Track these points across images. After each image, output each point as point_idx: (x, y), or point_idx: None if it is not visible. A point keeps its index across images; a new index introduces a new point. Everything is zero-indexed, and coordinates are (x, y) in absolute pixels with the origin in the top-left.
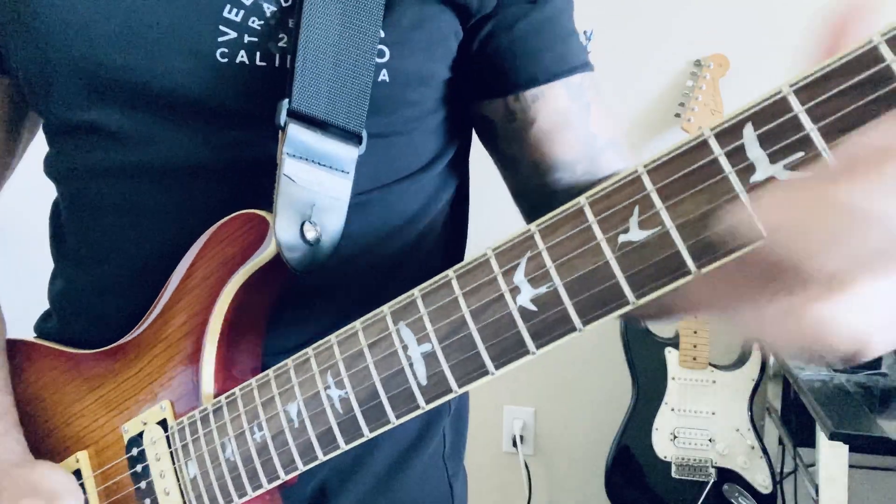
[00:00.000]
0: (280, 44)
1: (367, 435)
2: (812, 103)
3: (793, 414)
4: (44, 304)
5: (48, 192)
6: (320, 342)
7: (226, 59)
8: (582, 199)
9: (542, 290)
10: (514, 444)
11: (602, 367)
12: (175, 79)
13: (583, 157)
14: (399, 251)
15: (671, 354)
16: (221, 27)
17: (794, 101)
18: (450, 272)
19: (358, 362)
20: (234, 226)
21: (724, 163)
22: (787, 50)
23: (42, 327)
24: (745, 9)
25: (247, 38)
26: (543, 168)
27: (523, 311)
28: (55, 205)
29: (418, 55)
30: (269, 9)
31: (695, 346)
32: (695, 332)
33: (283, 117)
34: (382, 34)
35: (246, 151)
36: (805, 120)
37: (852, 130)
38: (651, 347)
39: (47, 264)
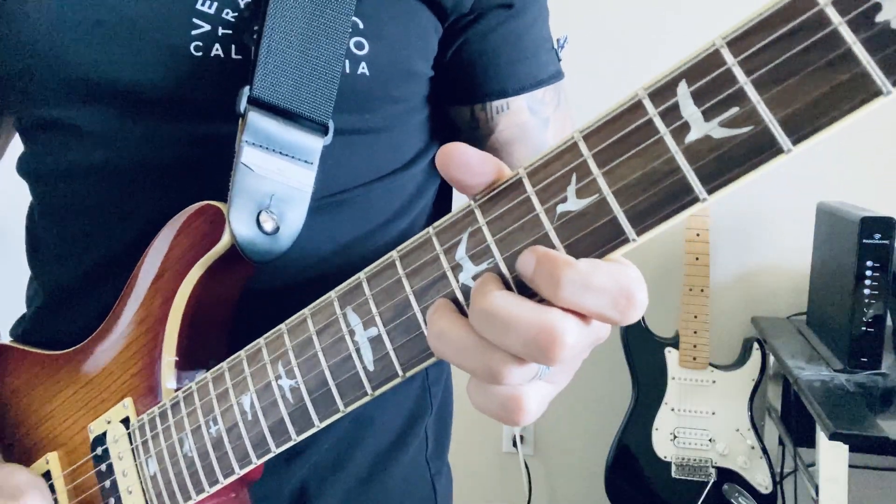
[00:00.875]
0: (255, 36)
1: (318, 425)
2: (744, 55)
3: (793, 414)
4: (21, 309)
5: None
6: (272, 331)
7: (200, 53)
8: (521, 171)
9: (483, 266)
10: (514, 444)
11: (602, 367)
12: (148, 74)
13: None
14: (380, 250)
15: (671, 354)
16: (195, 20)
17: (726, 54)
18: (393, 253)
19: (307, 350)
20: (190, 219)
21: (659, 123)
22: None
23: (17, 331)
24: (744, 9)
25: (221, 31)
26: None
27: (465, 290)
28: (31, 208)
29: (398, 49)
30: (242, 0)
31: (695, 346)
32: (695, 333)
33: (242, 104)
34: (361, 25)
35: (222, 146)
36: (738, 73)
37: (786, 81)
38: (651, 347)
39: (22, 265)
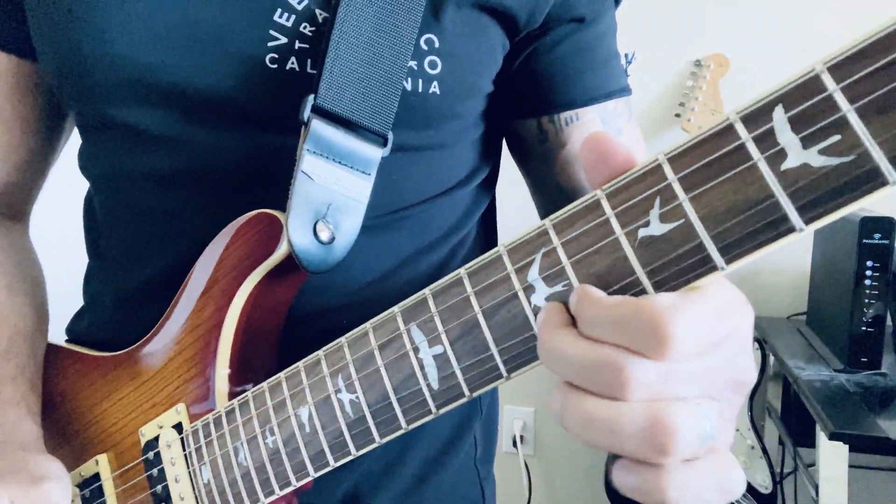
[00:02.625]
0: (322, 45)
1: (378, 441)
2: (848, 81)
3: (793, 414)
4: (70, 301)
5: (78, 185)
6: (331, 344)
7: (275, 66)
8: (598, 192)
9: (558, 288)
10: (514, 444)
11: None
12: (222, 83)
13: None
14: (436, 265)
15: None
16: (272, 31)
17: (828, 80)
18: (461, 270)
19: (369, 364)
20: (245, 227)
21: (752, 148)
22: (787, 50)
23: (74, 327)
24: (745, 9)
25: (298, 45)
26: (568, 191)
27: (538, 311)
28: (88, 200)
29: (469, 66)
30: (321, 15)
31: None
32: None
33: (306, 113)
34: (437, 44)
35: (291, 158)
36: (841, 100)
37: (893, 111)
38: None
39: (76, 260)
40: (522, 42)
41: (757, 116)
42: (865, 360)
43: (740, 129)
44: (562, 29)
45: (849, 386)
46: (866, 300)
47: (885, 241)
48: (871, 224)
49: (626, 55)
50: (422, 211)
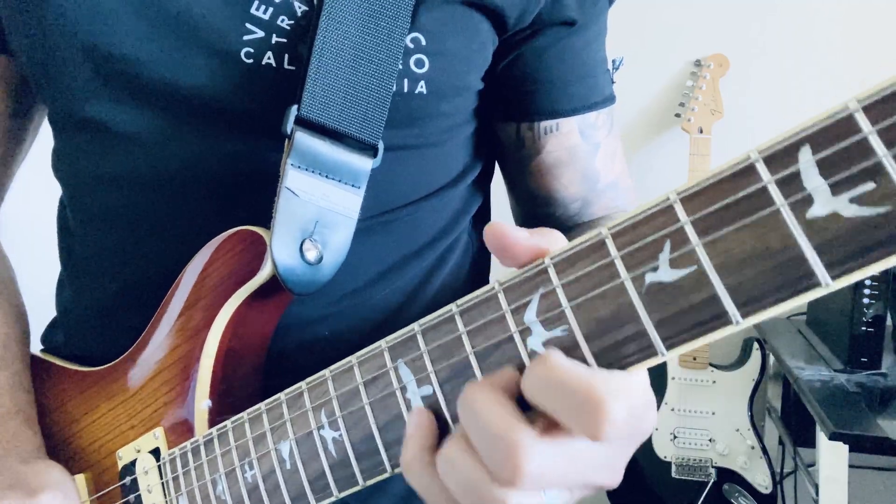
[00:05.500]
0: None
1: (362, 484)
2: (885, 124)
3: (793, 414)
4: (45, 307)
5: (51, 187)
6: (315, 376)
7: (251, 60)
8: (604, 231)
9: (557, 332)
10: None
11: None
12: (194, 77)
13: (580, 197)
14: (425, 270)
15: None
16: (248, 24)
17: (862, 121)
18: (452, 306)
19: (353, 401)
20: (227, 244)
21: (775, 193)
22: (787, 50)
23: (49, 338)
24: (745, 9)
25: (275, 39)
26: (539, 199)
27: (534, 356)
28: (62, 204)
29: (457, 65)
30: (300, 8)
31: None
32: None
33: (289, 125)
34: (423, 42)
35: (267, 162)
36: (876, 143)
37: None
38: None
39: (49, 265)
40: (509, 43)
41: (781, 157)
42: (865, 360)
43: (762, 169)
44: (551, 32)
45: (849, 386)
46: (866, 300)
47: None
48: None
49: (613, 61)
50: (408, 214)
